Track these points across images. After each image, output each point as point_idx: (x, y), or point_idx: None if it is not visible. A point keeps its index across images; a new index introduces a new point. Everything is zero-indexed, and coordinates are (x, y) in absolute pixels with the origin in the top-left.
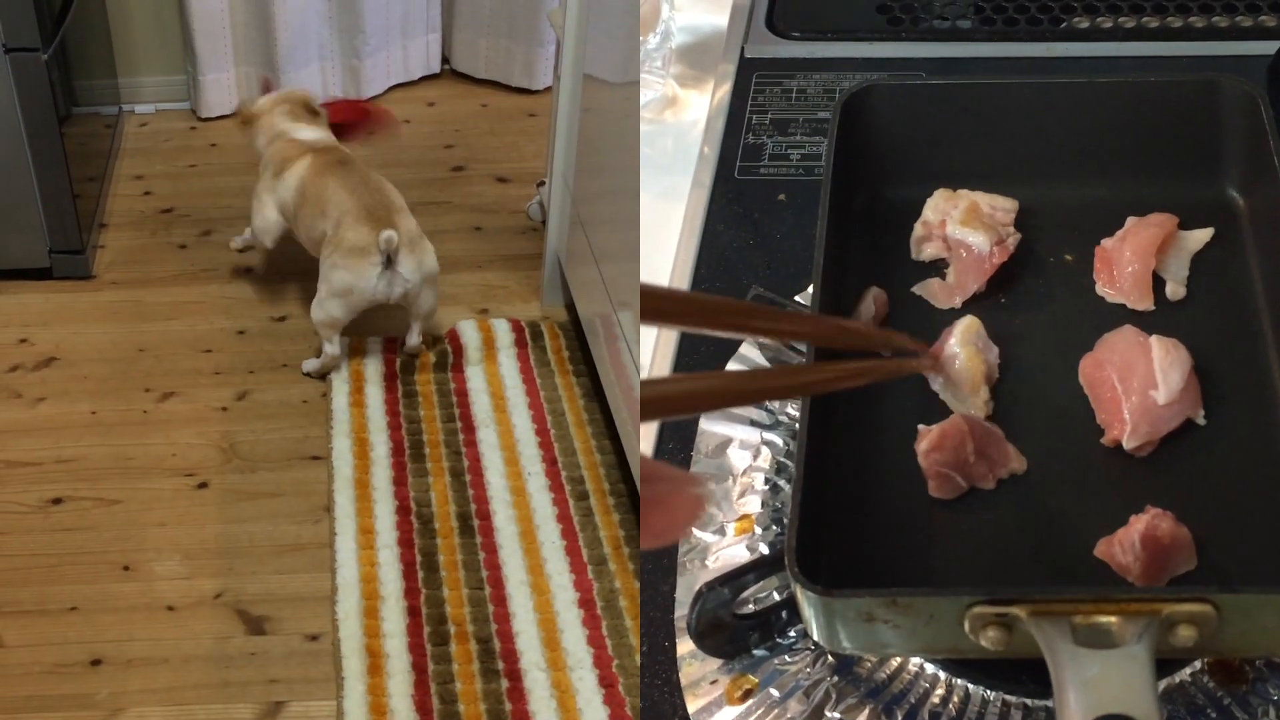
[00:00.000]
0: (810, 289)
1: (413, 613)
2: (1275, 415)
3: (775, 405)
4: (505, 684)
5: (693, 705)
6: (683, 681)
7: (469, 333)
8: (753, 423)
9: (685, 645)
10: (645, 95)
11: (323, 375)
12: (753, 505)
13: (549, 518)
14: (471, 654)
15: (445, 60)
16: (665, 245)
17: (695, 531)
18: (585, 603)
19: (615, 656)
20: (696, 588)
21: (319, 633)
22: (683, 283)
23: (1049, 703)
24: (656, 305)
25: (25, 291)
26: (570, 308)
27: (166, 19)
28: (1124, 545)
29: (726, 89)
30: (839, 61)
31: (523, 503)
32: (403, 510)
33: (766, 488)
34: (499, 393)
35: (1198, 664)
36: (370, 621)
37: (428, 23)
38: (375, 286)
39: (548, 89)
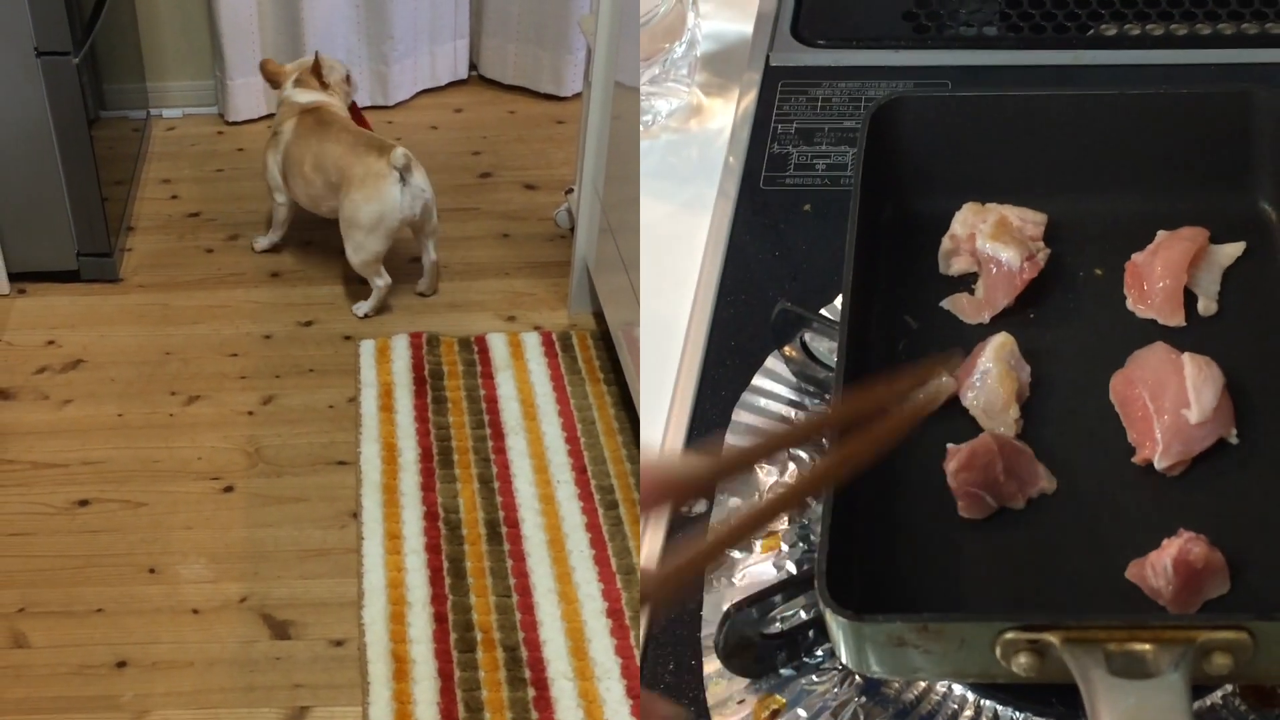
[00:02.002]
0: (837, 301)
1: (439, 619)
2: None
3: (801, 420)
4: (532, 693)
5: None
6: (709, 701)
7: (499, 340)
8: None
9: (712, 664)
10: (670, 104)
11: (379, 311)
12: (779, 522)
13: (578, 526)
14: (498, 662)
15: (473, 66)
16: (691, 257)
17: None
18: (613, 612)
19: None
20: (724, 607)
21: (344, 638)
22: (708, 295)
23: None
24: (659, 488)
25: (53, 294)
26: (598, 316)
27: (195, 24)
28: (1156, 569)
29: (752, 98)
30: (865, 70)
31: (551, 510)
32: (430, 516)
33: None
34: (529, 400)
35: (1229, 686)
36: (396, 627)
37: (456, 29)
38: (401, 204)
39: (576, 96)
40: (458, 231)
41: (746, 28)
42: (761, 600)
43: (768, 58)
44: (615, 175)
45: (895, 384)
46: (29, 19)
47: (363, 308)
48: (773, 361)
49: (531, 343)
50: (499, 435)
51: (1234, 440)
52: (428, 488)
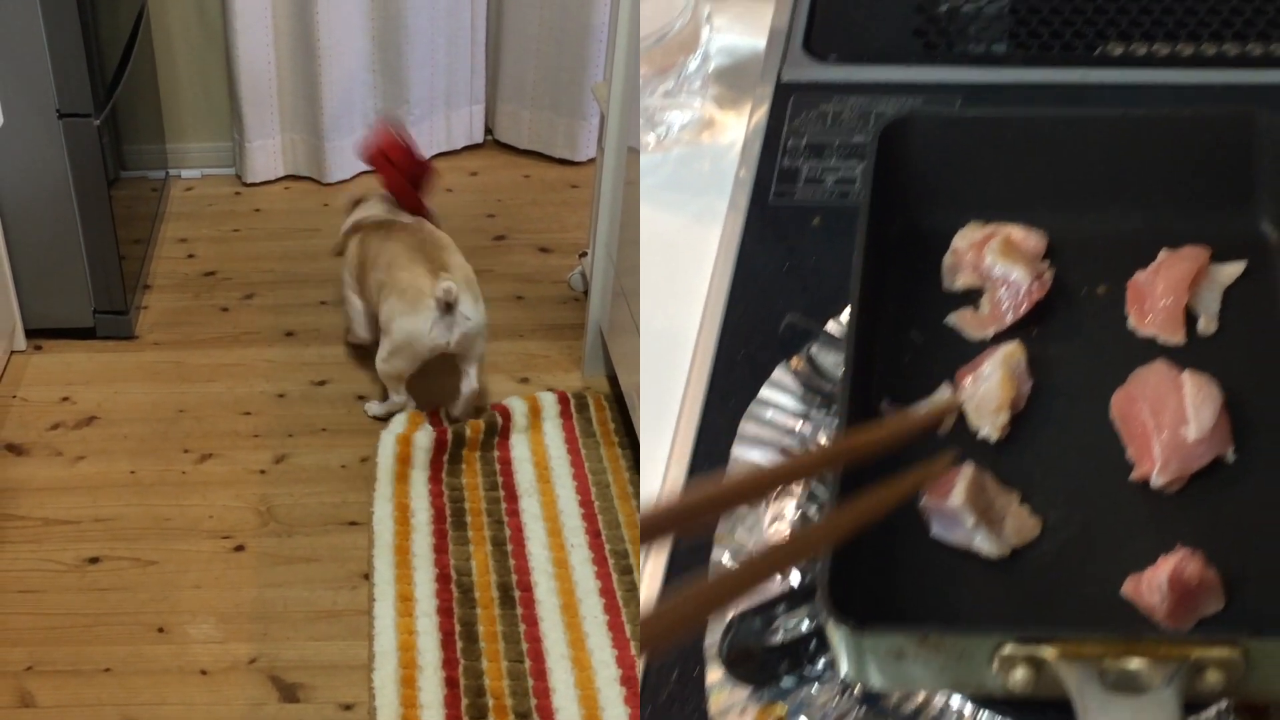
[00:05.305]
0: (844, 314)
1: (451, 684)
2: None
3: (807, 433)
4: None
5: None
6: (711, 709)
7: (514, 403)
8: (783, 450)
9: (715, 673)
10: (683, 117)
11: (388, 417)
12: (783, 534)
13: (591, 591)
14: None
15: (488, 130)
16: (701, 268)
17: (726, 559)
18: (628, 680)
19: None
20: (727, 617)
21: (354, 702)
22: (718, 306)
23: None
24: (658, 524)
25: (69, 350)
26: (613, 379)
27: (215, 87)
28: (1151, 585)
29: (763, 112)
30: (875, 86)
31: (565, 575)
32: (443, 578)
33: (797, 515)
34: (543, 462)
35: (1223, 703)
36: (407, 692)
37: (471, 94)
38: (430, 334)
39: (590, 160)
40: None
41: (759, 42)
42: (765, 610)
43: (779, 72)
44: (628, 239)
45: (892, 426)
46: (51, 82)
47: (374, 408)
48: (780, 373)
49: (547, 405)
50: (512, 497)
51: (1231, 458)
52: (440, 549)
